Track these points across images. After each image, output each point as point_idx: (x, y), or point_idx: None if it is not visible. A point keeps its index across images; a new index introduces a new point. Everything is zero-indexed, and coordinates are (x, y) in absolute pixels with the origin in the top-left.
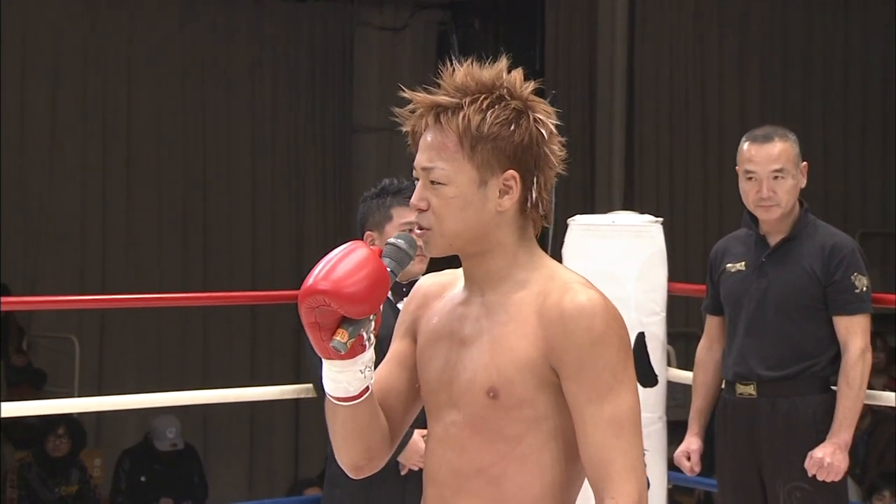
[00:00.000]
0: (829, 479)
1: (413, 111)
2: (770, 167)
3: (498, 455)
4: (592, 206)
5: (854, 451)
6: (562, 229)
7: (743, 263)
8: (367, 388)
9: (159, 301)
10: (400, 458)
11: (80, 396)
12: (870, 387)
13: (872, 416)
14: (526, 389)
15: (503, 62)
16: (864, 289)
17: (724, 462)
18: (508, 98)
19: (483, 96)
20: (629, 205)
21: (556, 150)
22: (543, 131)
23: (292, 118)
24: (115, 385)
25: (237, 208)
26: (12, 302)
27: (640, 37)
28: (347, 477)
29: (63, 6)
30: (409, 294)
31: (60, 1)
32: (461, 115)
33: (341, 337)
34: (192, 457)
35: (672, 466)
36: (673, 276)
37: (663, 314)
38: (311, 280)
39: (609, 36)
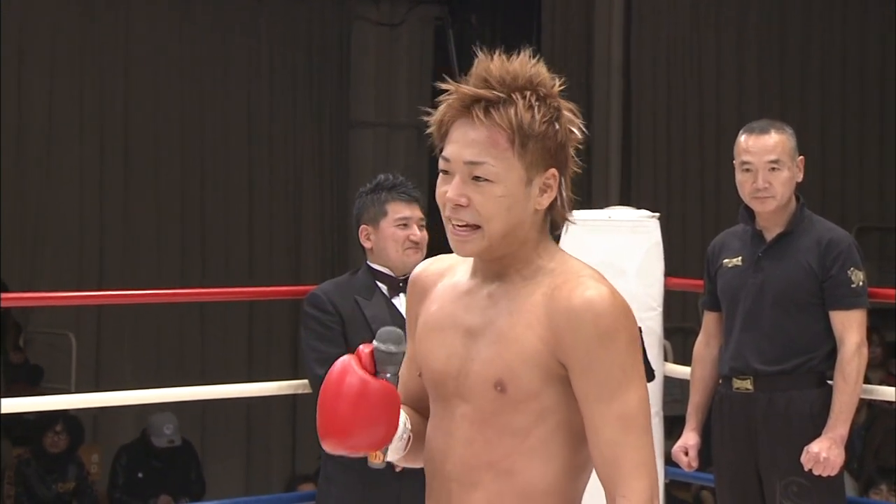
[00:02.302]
0: (825, 474)
1: (447, 100)
2: (766, 158)
3: (507, 449)
4: (589, 201)
5: (851, 446)
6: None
7: (740, 258)
8: (409, 438)
9: (156, 297)
10: None
11: (77, 393)
12: (867, 381)
13: (869, 411)
14: (533, 383)
15: (526, 54)
16: (861, 283)
17: (721, 457)
18: (547, 96)
19: (529, 91)
20: (626, 200)
21: (574, 150)
22: (574, 130)
23: (289, 114)
24: (113, 381)
25: (234, 204)
26: (12, 298)
27: (636, 32)
28: (343, 474)
29: (60, 5)
30: (408, 290)
31: (57, 0)
32: (513, 110)
33: (377, 459)
34: (190, 453)
35: (669, 461)
36: (670, 272)
37: (660, 309)
38: (331, 431)
39: (606, 31)
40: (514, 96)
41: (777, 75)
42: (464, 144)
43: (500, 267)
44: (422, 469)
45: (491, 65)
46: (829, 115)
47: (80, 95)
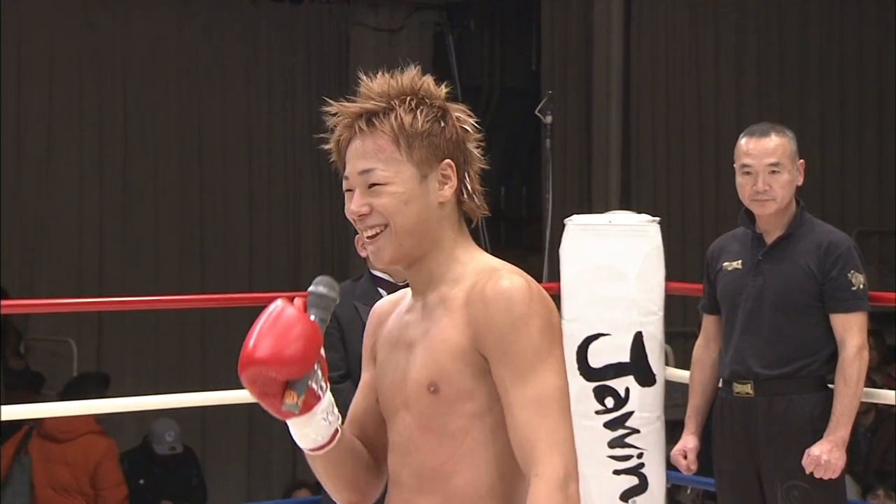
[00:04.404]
0: (826, 477)
1: (337, 122)
2: (766, 161)
3: (447, 453)
4: (590, 205)
5: (857, 449)
6: (559, 229)
7: (739, 262)
8: (336, 430)
9: (157, 303)
10: None
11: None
12: (872, 384)
13: (877, 415)
14: (464, 380)
15: (415, 69)
16: (861, 286)
17: (722, 461)
18: (429, 99)
19: (409, 97)
20: (626, 204)
21: (475, 147)
22: (468, 128)
23: (288, 119)
24: (114, 388)
25: (234, 211)
26: (11, 305)
27: (636, 36)
28: None
29: (58, 10)
30: (367, 323)
31: (55, 4)
32: (393, 116)
33: (291, 399)
34: (191, 460)
35: (671, 466)
36: (670, 276)
37: (661, 313)
38: (244, 354)
39: (605, 35)
40: (393, 103)
41: (776, 79)
42: (356, 158)
43: (427, 276)
44: None
45: (372, 82)
46: (829, 118)
47: (78, 102)
